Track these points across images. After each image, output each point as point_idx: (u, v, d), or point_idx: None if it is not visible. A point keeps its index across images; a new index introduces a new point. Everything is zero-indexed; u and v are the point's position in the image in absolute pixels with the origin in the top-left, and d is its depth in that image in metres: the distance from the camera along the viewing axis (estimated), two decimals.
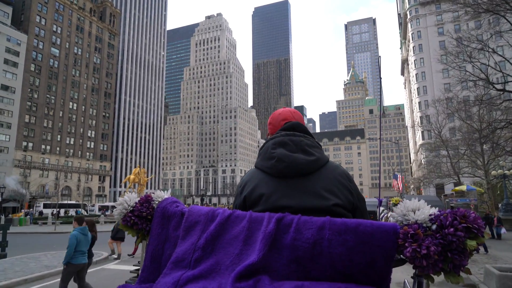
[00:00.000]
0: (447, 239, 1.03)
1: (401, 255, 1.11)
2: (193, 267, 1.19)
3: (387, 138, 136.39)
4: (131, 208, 1.51)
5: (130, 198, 1.54)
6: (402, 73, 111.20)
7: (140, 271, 1.40)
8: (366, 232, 1.10)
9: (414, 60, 74.84)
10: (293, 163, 1.40)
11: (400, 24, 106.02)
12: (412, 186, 73.46)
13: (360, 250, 1.09)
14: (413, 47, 75.66)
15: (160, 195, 1.55)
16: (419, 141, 72.47)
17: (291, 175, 1.40)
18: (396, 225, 1.12)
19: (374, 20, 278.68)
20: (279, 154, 1.43)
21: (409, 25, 78.13)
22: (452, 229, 1.03)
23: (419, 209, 1.12)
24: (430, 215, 1.10)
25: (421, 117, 70.10)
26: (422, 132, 69.84)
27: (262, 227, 1.21)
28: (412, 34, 76.06)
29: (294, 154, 1.42)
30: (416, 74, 74.18)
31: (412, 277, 1.21)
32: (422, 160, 67.23)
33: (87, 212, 58.12)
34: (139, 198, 1.54)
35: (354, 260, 1.09)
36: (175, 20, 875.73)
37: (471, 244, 1.02)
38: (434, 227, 1.07)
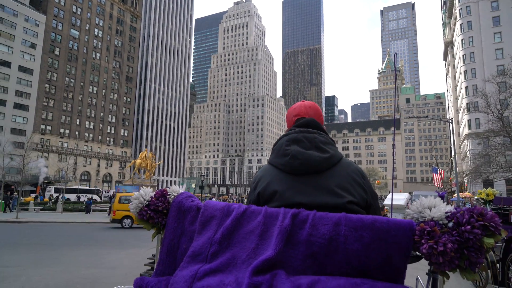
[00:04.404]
0: (464, 236, 1.03)
1: (417, 252, 1.12)
2: (210, 261, 1.20)
3: (425, 130, 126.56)
4: (147, 203, 1.51)
5: (146, 192, 1.54)
6: (445, 58, 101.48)
7: (155, 264, 1.41)
8: (383, 229, 1.10)
9: (462, 40, 66.01)
10: (307, 160, 1.39)
11: (444, 2, 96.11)
12: (454, 181, 65.68)
13: (376, 246, 1.09)
14: (460, 25, 66.76)
15: (176, 189, 1.55)
16: (465, 131, 64.25)
17: (305, 172, 1.40)
18: (412, 222, 1.13)
19: (413, 5, 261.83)
20: (293, 151, 1.42)
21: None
22: (469, 227, 1.03)
23: (435, 207, 1.12)
24: (446, 212, 1.10)
25: (468, 104, 61.87)
26: (469, 120, 61.79)
27: (277, 222, 1.21)
28: (460, 10, 67.09)
29: (308, 151, 1.41)
30: (463, 56, 65.43)
31: (426, 274, 1.21)
32: (468, 152, 59.38)
33: (101, 198, 55.42)
34: (154, 193, 1.55)
35: (370, 256, 1.09)
36: (204, 8, 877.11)
37: (488, 242, 1.02)
38: (450, 224, 1.07)
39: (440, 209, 1.11)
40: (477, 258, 1.03)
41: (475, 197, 6.93)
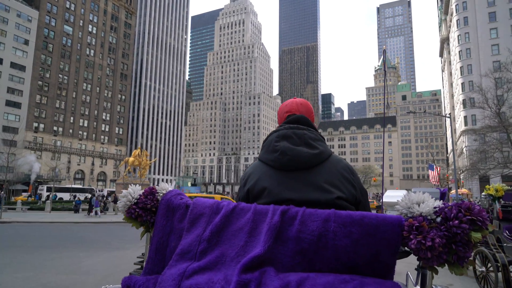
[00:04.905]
0: (452, 231, 1.04)
1: (406, 247, 1.11)
2: (198, 259, 1.20)
3: (421, 127, 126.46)
4: (135, 200, 1.49)
5: (134, 190, 1.52)
6: (441, 55, 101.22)
7: (144, 263, 1.41)
8: (371, 225, 1.10)
9: (458, 36, 65.64)
10: (297, 156, 1.39)
11: None
12: (451, 178, 65.49)
13: (365, 242, 1.09)
14: (456, 20, 66.40)
15: (165, 187, 1.53)
16: (461, 127, 63.99)
17: (294, 168, 1.40)
18: (401, 217, 1.13)
19: (409, 2, 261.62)
20: (282, 147, 1.42)
21: None
22: (456, 222, 1.04)
23: (424, 202, 1.13)
24: (434, 207, 1.10)
25: (464, 100, 61.57)
26: (465, 117, 61.53)
27: (267, 219, 1.21)
28: (456, 5, 66.70)
29: (297, 147, 1.41)
30: (459, 52, 65.06)
31: (416, 269, 1.21)
32: (464, 149, 59.11)
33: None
34: (143, 190, 1.53)
35: (359, 252, 1.10)
36: (200, 5, 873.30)
37: (476, 236, 1.02)
38: (438, 219, 1.08)
39: (429, 204, 1.10)
40: (465, 253, 1.03)
41: (483, 193, 6.40)
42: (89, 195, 53.50)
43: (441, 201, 1.15)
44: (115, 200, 30.40)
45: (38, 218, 20.62)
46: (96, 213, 24.61)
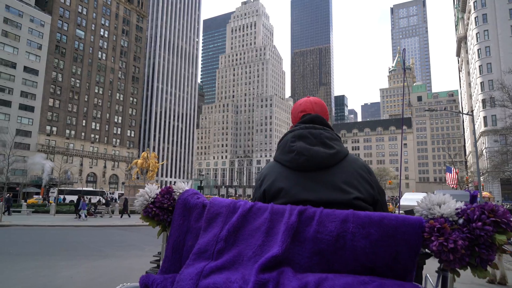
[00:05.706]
0: (475, 233, 1.01)
1: (426, 249, 1.10)
2: (216, 258, 1.20)
3: (437, 128, 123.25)
4: (152, 200, 1.50)
5: (151, 189, 1.53)
6: (458, 54, 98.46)
7: (161, 262, 1.42)
8: (391, 226, 1.09)
9: (477, 34, 63.39)
10: (313, 156, 1.38)
11: None
12: (470, 180, 63.02)
13: (385, 243, 1.08)
14: (475, 18, 64.18)
15: (181, 186, 1.54)
16: (480, 128, 61.59)
17: (310, 168, 1.39)
18: (421, 218, 1.11)
19: (424, 2, 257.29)
20: (298, 147, 1.41)
21: None
22: (480, 223, 1.01)
23: (445, 203, 1.10)
24: (456, 209, 1.08)
25: (483, 100, 59.28)
26: (485, 117, 59.20)
27: (284, 219, 1.21)
28: (474, 3, 64.51)
29: (314, 147, 1.40)
30: (478, 50, 62.78)
31: (436, 272, 1.19)
32: (484, 151, 56.85)
33: (105, 200, 54.42)
34: (160, 190, 1.54)
35: (378, 254, 1.08)
36: (212, 8, 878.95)
37: (501, 239, 1.00)
38: (461, 221, 1.05)
39: (450, 205, 1.08)
40: (489, 255, 1.00)
41: None
42: (95, 198, 53.45)
43: (464, 203, 1.12)
44: (107, 203, 30.07)
45: (39, 222, 20.01)
46: (79, 216, 23.91)
